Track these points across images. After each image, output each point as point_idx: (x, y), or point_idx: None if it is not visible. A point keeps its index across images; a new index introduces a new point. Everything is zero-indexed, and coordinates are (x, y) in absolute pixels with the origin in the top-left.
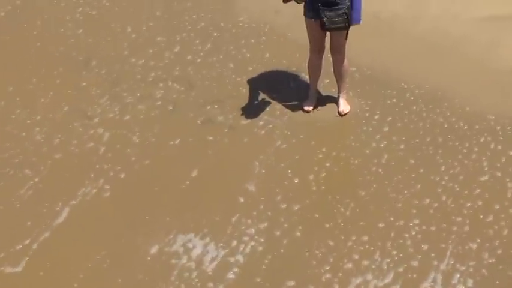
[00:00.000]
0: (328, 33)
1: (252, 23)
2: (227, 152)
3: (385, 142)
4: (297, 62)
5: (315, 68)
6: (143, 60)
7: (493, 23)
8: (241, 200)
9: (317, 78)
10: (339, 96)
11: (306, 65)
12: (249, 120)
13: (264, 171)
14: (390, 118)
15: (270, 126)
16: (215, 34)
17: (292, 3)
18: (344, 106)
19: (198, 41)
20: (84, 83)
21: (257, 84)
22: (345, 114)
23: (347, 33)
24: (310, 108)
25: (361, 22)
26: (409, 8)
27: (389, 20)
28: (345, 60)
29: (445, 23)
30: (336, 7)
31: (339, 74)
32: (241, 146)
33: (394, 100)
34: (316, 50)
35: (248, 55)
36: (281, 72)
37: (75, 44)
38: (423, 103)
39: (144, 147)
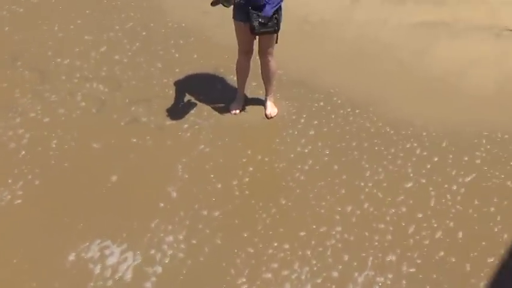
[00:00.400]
0: (257, 36)
1: (181, 23)
2: (150, 155)
3: (310, 147)
4: (225, 64)
5: (243, 70)
6: (69, 60)
7: (421, 29)
8: (162, 205)
9: (245, 80)
10: (266, 99)
11: (235, 66)
12: (174, 121)
13: (187, 176)
14: (316, 122)
15: (196, 127)
16: (143, 34)
17: (221, 6)
18: (271, 109)
19: (125, 41)
20: (6, 83)
21: (185, 85)
22: (272, 117)
23: (277, 37)
24: (237, 110)
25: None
26: (338, 13)
27: (318, 24)
28: (273, 63)
29: (373, 29)
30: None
31: (266, 77)
32: (165, 149)
33: (321, 103)
34: (245, 52)
35: (176, 55)
36: (209, 74)
37: (0, 42)
38: (350, 107)
39: (65, 150)
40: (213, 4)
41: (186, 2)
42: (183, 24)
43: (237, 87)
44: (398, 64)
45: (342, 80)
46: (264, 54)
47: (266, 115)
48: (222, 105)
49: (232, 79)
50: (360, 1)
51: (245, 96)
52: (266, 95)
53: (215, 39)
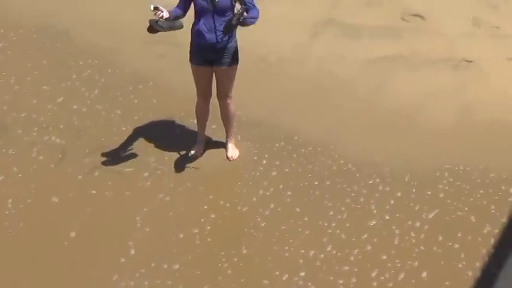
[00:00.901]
0: (214, 79)
1: (138, 67)
2: (110, 207)
3: (272, 189)
4: (184, 108)
5: (202, 113)
6: (25, 113)
7: (379, 64)
8: (122, 260)
9: (205, 123)
10: (227, 141)
11: (194, 110)
12: (135, 168)
13: (147, 228)
14: (278, 162)
15: (158, 172)
16: (102, 80)
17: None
18: (232, 151)
19: (83, 89)
20: None
21: (145, 130)
22: (233, 159)
23: (234, 77)
24: (198, 154)
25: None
26: (295, 51)
27: (276, 62)
28: (232, 105)
29: (330, 65)
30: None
31: (226, 119)
32: (125, 199)
33: (282, 143)
34: (203, 95)
35: (136, 101)
36: (169, 118)
37: None
38: (311, 146)
39: (20, 209)
40: (149, 30)
41: (141, 46)
42: (141, 69)
43: (197, 130)
44: (356, 99)
45: (302, 118)
46: (222, 97)
47: (227, 157)
48: (183, 149)
49: (192, 123)
50: (318, 37)
51: (206, 139)
52: (227, 137)
53: (173, 83)
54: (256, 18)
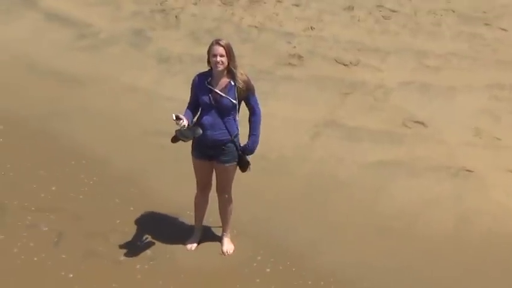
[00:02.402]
0: (214, 172)
1: (138, 158)
2: None
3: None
4: (182, 199)
5: (200, 205)
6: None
7: (377, 168)
8: None
9: (202, 215)
10: (223, 235)
11: (192, 201)
12: (128, 257)
13: None
14: (273, 259)
15: (152, 263)
16: (101, 169)
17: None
18: (227, 245)
19: (82, 176)
20: None
21: (141, 220)
22: (228, 254)
23: (232, 175)
24: (194, 246)
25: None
26: (296, 150)
27: (276, 160)
28: (230, 200)
29: (330, 167)
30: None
31: (223, 213)
32: None
33: (278, 241)
34: (202, 187)
35: (132, 190)
36: (165, 209)
37: None
38: (307, 246)
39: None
40: (173, 140)
41: (141, 136)
42: (140, 159)
43: (194, 222)
44: (355, 203)
45: (299, 217)
46: (221, 191)
47: (222, 251)
48: (179, 240)
49: (189, 214)
50: (319, 138)
51: (202, 231)
52: (223, 231)
53: (172, 174)
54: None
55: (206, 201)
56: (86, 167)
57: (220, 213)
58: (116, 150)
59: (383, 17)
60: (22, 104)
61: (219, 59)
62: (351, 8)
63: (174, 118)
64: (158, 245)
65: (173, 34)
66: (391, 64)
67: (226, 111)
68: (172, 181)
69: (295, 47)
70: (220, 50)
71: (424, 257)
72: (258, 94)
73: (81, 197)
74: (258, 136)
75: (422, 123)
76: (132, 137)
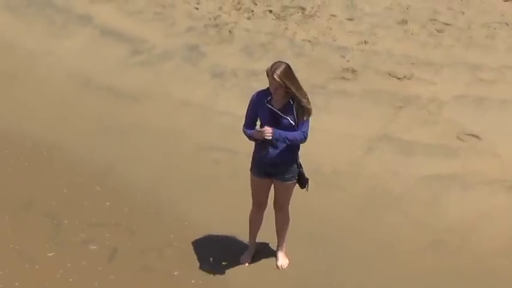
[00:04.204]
0: (272, 189)
1: (194, 172)
2: None
3: None
4: (237, 215)
5: (255, 221)
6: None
7: (431, 182)
8: None
9: (256, 231)
10: (278, 249)
11: (247, 217)
12: (181, 272)
13: None
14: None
15: (205, 278)
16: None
17: None
18: (283, 260)
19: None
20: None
21: (197, 235)
22: (283, 268)
23: (291, 192)
24: (248, 261)
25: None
26: (349, 164)
27: (330, 175)
28: (287, 216)
29: (384, 181)
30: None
31: (280, 229)
32: None
33: (333, 254)
34: (258, 204)
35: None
36: (221, 224)
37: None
38: (362, 259)
39: None
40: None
41: (199, 152)
42: (196, 174)
43: (248, 238)
44: (409, 217)
45: (354, 233)
46: (278, 208)
47: (277, 266)
48: (233, 255)
49: (243, 230)
50: (373, 153)
51: (256, 246)
52: (278, 245)
53: (227, 189)
54: (291, 140)
55: (261, 219)
56: (140, 183)
57: (276, 229)
58: (171, 166)
59: (436, 30)
60: (77, 119)
61: (275, 90)
62: (404, 22)
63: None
64: (212, 260)
65: (227, 49)
66: (444, 77)
67: (285, 130)
68: (227, 197)
69: (348, 61)
70: (275, 83)
71: (475, 271)
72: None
73: (135, 212)
74: (287, 138)
75: (476, 137)
76: (186, 152)
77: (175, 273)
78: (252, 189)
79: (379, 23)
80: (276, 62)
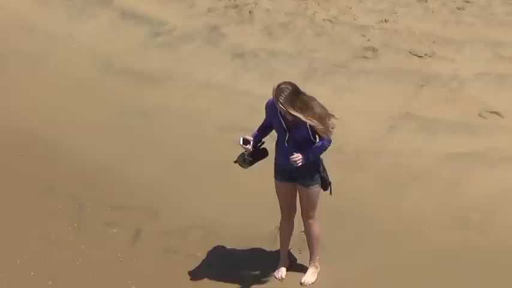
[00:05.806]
0: (298, 195)
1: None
2: None
3: None
4: (266, 190)
5: (285, 230)
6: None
7: (454, 159)
8: None
9: (287, 240)
10: (309, 263)
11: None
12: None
13: None
14: None
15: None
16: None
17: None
18: (308, 277)
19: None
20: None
21: (223, 213)
22: (305, 285)
23: (315, 200)
24: (280, 274)
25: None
26: (372, 143)
27: (352, 154)
28: (316, 227)
29: (407, 159)
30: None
31: (309, 240)
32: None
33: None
34: (285, 212)
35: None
36: (249, 200)
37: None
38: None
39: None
40: (236, 162)
41: (222, 132)
42: (220, 154)
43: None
44: (432, 194)
45: (374, 210)
46: (306, 216)
47: (301, 282)
48: (256, 234)
49: (266, 209)
50: (395, 131)
51: (289, 257)
52: (310, 259)
53: (250, 168)
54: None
55: (291, 228)
56: (162, 165)
57: (306, 240)
58: (194, 147)
59: (457, 8)
60: (98, 102)
61: (283, 113)
62: (424, 0)
63: (241, 142)
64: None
65: (247, 29)
66: (466, 55)
67: (301, 138)
68: (249, 177)
69: (369, 39)
70: (281, 109)
71: (500, 248)
72: (333, 88)
73: (157, 194)
74: (313, 156)
75: (498, 114)
76: (209, 133)
77: (198, 254)
78: (278, 197)
79: (399, 1)
80: (280, 85)
